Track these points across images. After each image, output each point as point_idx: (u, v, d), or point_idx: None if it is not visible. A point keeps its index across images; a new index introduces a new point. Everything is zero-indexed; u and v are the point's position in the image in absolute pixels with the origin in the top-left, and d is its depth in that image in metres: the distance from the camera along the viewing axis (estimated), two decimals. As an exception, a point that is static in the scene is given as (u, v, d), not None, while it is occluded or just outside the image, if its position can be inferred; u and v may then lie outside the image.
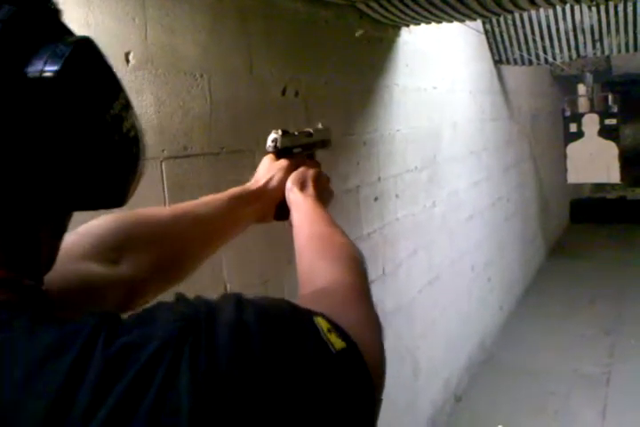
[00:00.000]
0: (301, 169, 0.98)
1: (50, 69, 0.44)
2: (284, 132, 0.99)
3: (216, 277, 1.72)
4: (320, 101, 2.31)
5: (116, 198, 0.53)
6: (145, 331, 0.41)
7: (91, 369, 0.38)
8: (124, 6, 1.45)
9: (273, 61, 2.03)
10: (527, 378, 3.92)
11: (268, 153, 1.00)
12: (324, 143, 1.10)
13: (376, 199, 2.78)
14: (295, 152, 1.01)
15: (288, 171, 0.98)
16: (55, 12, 0.50)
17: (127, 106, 0.52)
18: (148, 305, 0.47)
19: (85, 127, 0.47)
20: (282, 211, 0.96)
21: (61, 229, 0.55)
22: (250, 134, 1.88)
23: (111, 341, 0.40)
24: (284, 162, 0.99)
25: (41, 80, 0.44)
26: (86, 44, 0.48)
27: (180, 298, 0.48)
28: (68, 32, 0.50)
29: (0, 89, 0.43)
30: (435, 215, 3.52)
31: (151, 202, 1.50)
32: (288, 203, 0.94)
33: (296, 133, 1.02)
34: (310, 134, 1.05)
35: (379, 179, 2.81)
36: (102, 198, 0.52)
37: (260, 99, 1.95)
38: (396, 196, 3.00)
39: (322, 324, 0.48)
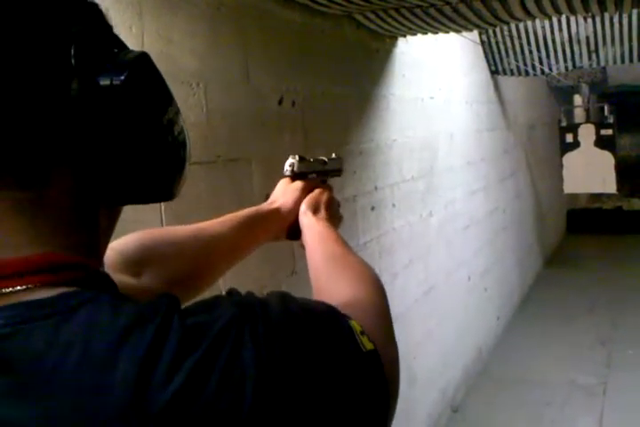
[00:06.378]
0: (315, 193, 1.05)
1: (118, 78, 0.52)
2: (301, 158, 1.07)
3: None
4: (317, 111, 2.31)
5: (167, 193, 0.60)
6: (210, 314, 0.49)
7: (171, 337, 0.45)
8: (121, 15, 1.46)
9: (270, 71, 2.03)
10: (524, 388, 3.91)
11: (285, 177, 1.08)
12: (337, 172, 1.18)
13: (373, 209, 2.79)
14: (310, 177, 1.09)
15: (302, 193, 1.05)
16: (110, 28, 0.57)
17: (178, 111, 0.59)
18: (205, 298, 0.54)
19: (146, 128, 0.54)
20: (294, 231, 1.03)
21: (113, 225, 0.61)
22: (246, 143, 1.89)
23: (184, 318, 0.47)
24: (298, 184, 1.06)
25: (111, 88, 0.51)
26: (145, 57, 0.56)
27: (233, 291, 0.57)
28: (124, 45, 0.57)
29: (79, 96, 0.50)
30: (431, 225, 3.52)
31: (147, 209, 1.50)
32: (301, 226, 1.01)
33: (311, 160, 1.10)
34: (325, 162, 1.13)
35: (375, 188, 2.82)
36: (156, 193, 0.59)
37: (256, 108, 1.95)
38: (393, 205, 3.00)
39: (355, 326, 0.55)
